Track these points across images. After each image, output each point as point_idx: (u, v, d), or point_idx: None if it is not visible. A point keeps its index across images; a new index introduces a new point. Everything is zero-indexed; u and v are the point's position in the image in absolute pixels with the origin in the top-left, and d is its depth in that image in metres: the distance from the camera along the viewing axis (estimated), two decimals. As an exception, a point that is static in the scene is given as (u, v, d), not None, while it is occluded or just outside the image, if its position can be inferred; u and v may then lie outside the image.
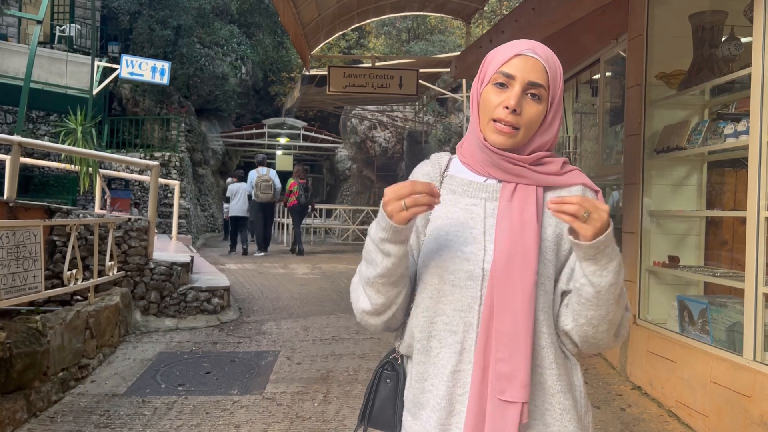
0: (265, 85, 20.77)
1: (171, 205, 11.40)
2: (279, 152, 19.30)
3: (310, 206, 12.26)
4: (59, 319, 4.07)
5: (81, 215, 6.17)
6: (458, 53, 9.07)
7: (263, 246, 11.49)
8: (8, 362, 3.39)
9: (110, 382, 4.29)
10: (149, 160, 10.80)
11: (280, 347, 5.20)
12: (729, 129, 3.52)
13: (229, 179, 13.55)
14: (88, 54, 13.52)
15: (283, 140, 18.81)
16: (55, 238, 5.51)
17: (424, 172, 1.36)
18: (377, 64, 9.85)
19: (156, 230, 6.52)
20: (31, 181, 12.52)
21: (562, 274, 1.25)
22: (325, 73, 9.65)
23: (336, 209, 16.56)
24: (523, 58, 1.23)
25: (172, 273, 5.92)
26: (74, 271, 4.62)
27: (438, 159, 1.38)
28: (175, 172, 14.18)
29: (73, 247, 4.67)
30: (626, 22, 4.61)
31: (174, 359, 4.81)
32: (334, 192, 21.76)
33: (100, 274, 5.15)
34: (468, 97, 11.40)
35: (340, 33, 11.09)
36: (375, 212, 7.77)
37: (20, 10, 14.24)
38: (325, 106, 17.66)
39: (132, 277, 5.75)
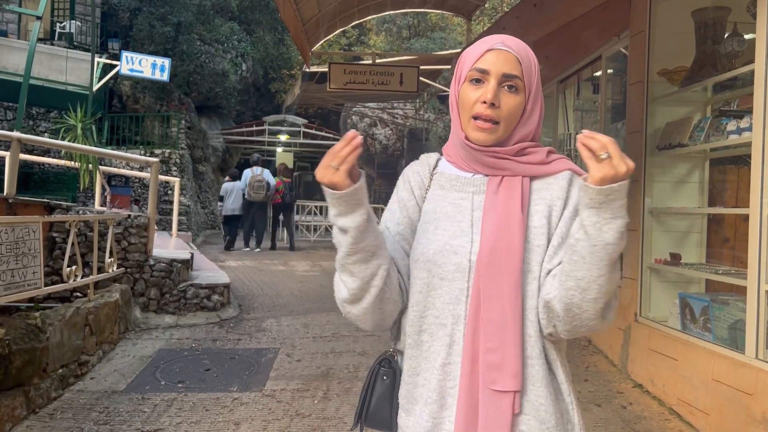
0: (265, 82, 20.74)
1: (171, 202, 11.39)
2: (279, 149, 19.30)
3: (291, 204, 12.39)
4: (59, 315, 4.06)
5: (81, 212, 6.15)
6: (459, 50, 9.04)
7: (256, 243, 11.71)
8: (7, 359, 3.38)
9: (110, 379, 4.28)
10: (149, 157, 10.80)
11: (280, 344, 5.19)
12: (731, 126, 3.50)
13: (227, 178, 13.57)
14: (88, 50, 13.46)
15: (283, 137, 18.78)
16: (55, 234, 5.50)
17: (414, 170, 1.38)
18: (378, 61, 9.83)
19: (156, 227, 6.51)
20: (31, 178, 12.51)
21: (546, 254, 1.21)
22: (326, 70, 9.64)
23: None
24: (495, 52, 1.24)
25: (172, 270, 5.91)
26: (74, 267, 4.61)
27: (427, 158, 1.40)
28: (175, 169, 14.17)
29: (72, 244, 4.65)
30: (628, 18, 4.60)
31: (174, 356, 4.80)
32: (334, 189, 21.70)
33: (100, 270, 5.14)
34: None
35: (341, 30, 11.07)
36: (376, 210, 7.84)
37: (20, 6, 14.22)
38: (325, 103, 17.66)
39: (132, 274, 5.75)
